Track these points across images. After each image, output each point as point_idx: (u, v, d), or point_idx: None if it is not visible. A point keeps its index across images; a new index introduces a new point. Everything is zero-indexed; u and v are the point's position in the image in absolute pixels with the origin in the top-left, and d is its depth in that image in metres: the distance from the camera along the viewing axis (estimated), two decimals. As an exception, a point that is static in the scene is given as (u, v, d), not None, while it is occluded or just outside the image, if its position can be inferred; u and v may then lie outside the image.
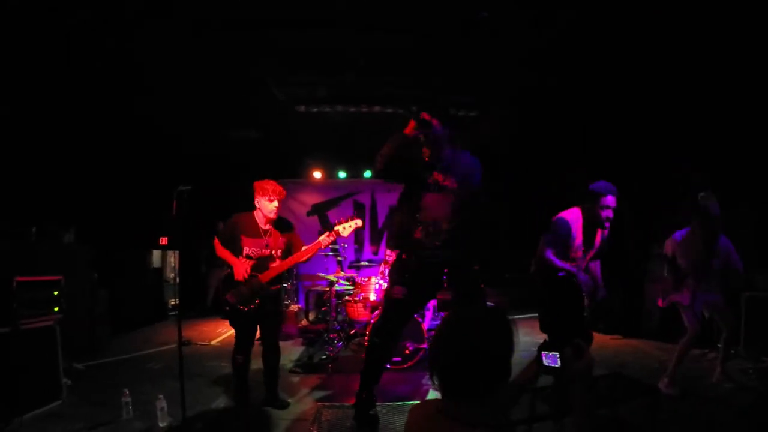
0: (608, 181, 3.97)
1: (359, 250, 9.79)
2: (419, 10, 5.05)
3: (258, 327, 4.24)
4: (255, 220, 4.18)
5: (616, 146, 7.50)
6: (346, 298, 6.60)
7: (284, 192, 4.20)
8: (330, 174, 10.04)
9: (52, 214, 6.34)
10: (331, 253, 7.72)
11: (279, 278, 4.24)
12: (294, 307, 8.09)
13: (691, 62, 5.63)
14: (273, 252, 4.14)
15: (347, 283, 6.92)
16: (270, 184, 4.13)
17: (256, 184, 4.16)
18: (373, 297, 6.25)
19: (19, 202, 6.05)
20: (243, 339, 4.18)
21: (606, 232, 4.07)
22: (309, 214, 9.82)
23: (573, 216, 4.05)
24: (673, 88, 6.15)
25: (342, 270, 7.08)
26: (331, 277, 6.59)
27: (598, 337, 4.78)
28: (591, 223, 4.00)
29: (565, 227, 4.00)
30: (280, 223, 4.28)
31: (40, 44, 5.11)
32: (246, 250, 4.08)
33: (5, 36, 4.84)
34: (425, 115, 3.57)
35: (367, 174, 9.97)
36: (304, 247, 4.22)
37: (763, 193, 6.07)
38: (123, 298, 7.59)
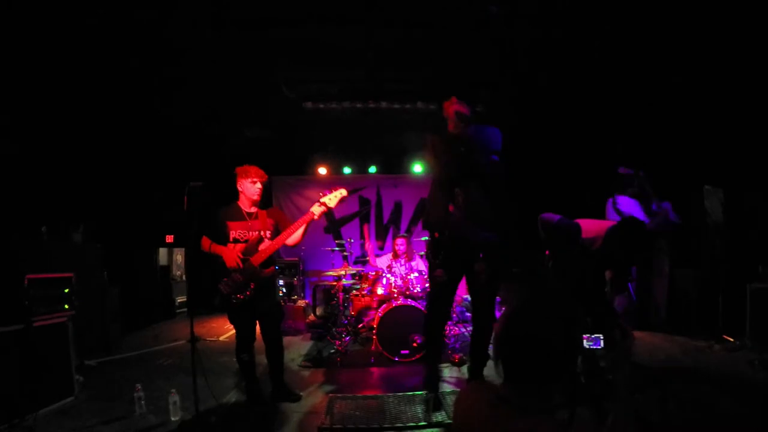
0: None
1: (365, 245, 9.83)
2: (426, 5, 5.07)
3: (258, 323, 4.22)
4: (238, 206, 4.17)
5: (624, 134, 7.49)
6: (354, 292, 6.64)
7: (266, 175, 4.20)
8: (335, 170, 10.05)
9: (61, 212, 6.37)
10: (336, 249, 7.74)
11: (272, 261, 4.17)
12: (301, 303, 8.12)
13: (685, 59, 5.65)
14: (261, 233, 4.10)
15: (354, 278, 6.95)
16: (252, 168, 4.14)
17: (238, 169, 4.17)
18: (380, 291, 6.28)
19: (29, 200, 6.07)
20: (244, 336, 4.17)
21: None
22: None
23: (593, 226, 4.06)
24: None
25: (348, 265, 7.09)
26: (338, 272, 6.61)
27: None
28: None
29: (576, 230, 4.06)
30: (266, 206, 4.29)
31: (50, 41, 5.13)
32: (232, 233, 4.06)
33: (9, 36, 4.88)
34: (461, 108, 3.67)
35: (372, 170, 10.00)
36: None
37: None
38: (132, 296, 7.63)
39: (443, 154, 3.82)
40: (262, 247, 4.05)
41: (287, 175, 9.92)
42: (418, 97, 7.64)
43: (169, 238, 9.26)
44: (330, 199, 4.08)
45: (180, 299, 9.35)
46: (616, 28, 5.37)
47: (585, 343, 1.74)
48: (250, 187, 4.11)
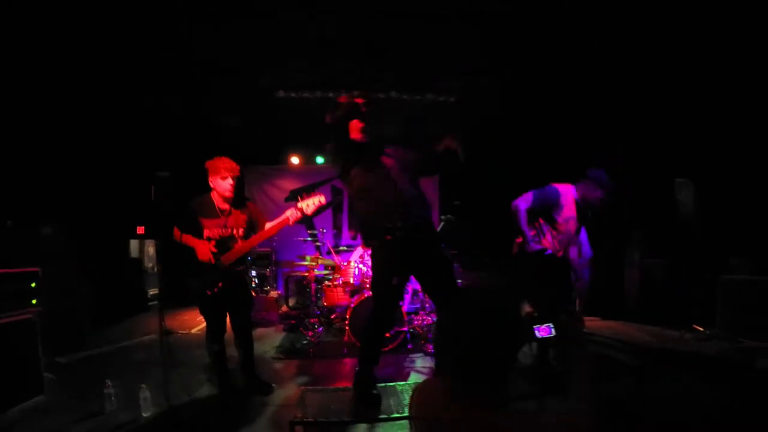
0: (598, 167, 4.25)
1: (338, 236, 9.87)
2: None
3: (228, 314, 4.22)
4: (212, 201, 4.11)
5: (600, 127, 7.62)
6: (326, 283, 6.67)
7: (238, 168, 4.10)
8: (308, 160, 10.03)
9: (29, 205, 6.25)
10: (309, 239, 7.76)
11: (243, 259, 4.19)
12: (273, 294, 8.13)
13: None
14: (234, 232, 4.08)
15: (326, 268, 6.97)
16: (222, 162, 4.04)
17: (208, 164, 4.08)
18: (352, 281, 6.32)
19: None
20: (214, 327, 4.17)
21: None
22: (287, 199, 9.78)
23: (565, 189, 4.27)
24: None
25: (321, 255, 7.12)
26: (310, 262, 6.62)
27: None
28: (586, 204, 4.26)
29: (554, 194, 4.24)
30: (240, 201, 4.22)
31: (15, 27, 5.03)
32: (206, 232, 4.02)
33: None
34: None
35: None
36: (268, 224, 4.16)
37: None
38: (104, 289, 7.53)
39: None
40: (234, 246, 4.05)
41: (259, 165, 9.87)
42: (391, 87, 7.66)
43: (140, 230, 9.14)
44: (307, 205, 4.01)
45: (152, 291, 9.27)
46: (591, 22, 5.48)
47: (537, 334, 1.82)
48: (222, 184, 4.04)
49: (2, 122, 6.10)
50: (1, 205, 5.88)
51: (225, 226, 4.07)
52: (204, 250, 3.96)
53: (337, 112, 3.78)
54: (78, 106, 6.90)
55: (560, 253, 4.48)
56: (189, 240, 4.03)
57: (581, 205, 4.38)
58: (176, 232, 4.09)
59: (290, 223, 4.05)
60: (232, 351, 4.36)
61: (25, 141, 6.49)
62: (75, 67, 6.06)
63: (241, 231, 4.12)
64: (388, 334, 5.47)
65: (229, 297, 4.09)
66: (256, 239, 4.12)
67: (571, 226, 4.42)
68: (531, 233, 4.41)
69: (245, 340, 4.31)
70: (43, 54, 5.60)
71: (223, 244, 4.04)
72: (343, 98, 3.74)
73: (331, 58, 6.58)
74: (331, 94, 7.72)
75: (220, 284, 4.00)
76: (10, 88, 5.90)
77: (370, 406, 3.46)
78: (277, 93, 7.60)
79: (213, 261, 3.98)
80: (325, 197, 4.14)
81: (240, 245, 4.06)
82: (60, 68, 5.98)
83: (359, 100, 3.73)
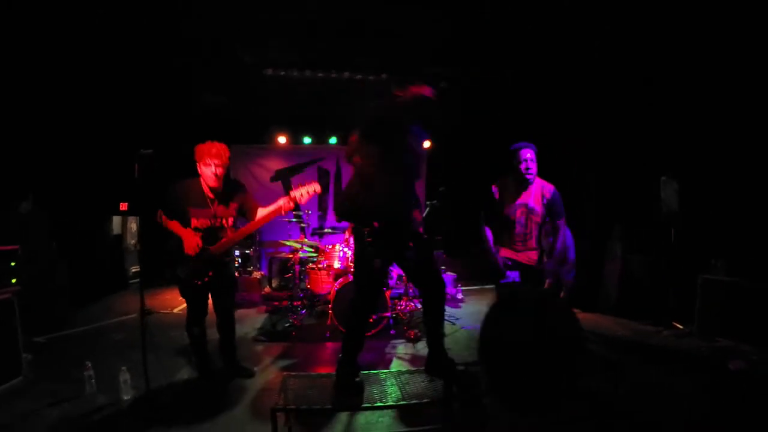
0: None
1: (323, 217, 9.85)
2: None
3: (210, 296, 4.13)
4: (201, 188, 3.92)
5: (585, 125, 7.63)
6: (310, 265, 6.65)
7: (226, 154, 3.91)
8: (295, 140, 9.94)
9: (7, 180, 6.12)
10: (294, 220, 7.71)
11: (231, 249, 4.11)
12: (257, 274, 8.11)
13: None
14: (223, 222, 3.95)
15: (311, 250, 6.94)
16: (209, 147, 3.87)
17: (196, 149, 3.90)
18: (337, 264, 6.30)
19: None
20: (195, 310, 4.08)
21: (546, 192, 4.23)
22: (273, 179, 9.74)
23: (496, 186, 4.32)
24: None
25: (305, 237, 7.08)
26: (295, 244, 6.58)
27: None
28: (519, 181, 4.23)
29: (492, 194, 4.26)
30: (230, 187, 4.05)
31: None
32: (194, 222, 3.87)
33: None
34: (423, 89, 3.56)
35: (333, 140, 9.93)
36: (260, 210, 4.00)
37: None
38: (83, 267, 7.41)
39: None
40: (223, 236, 3.94)
41: (245, 144, 9.74)
42: (382, 69, 7.58)
43: (123, 206, 8.99)
44: (301, 195, 3.83)
45: (134, 269, 9.18)
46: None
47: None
48: (205, 171, 3.87)
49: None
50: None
51: (214, 216, 3.92)
52: (191, 244, 3.80)
53: (406, 95, 3.63)
54: (62, 82, 6.72)
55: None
56: (175, 228, 3.88)
57: None
58: (162, 216, 3.93)
59: (283, 212, 3.91)
60: (214, 333, 4.31)
61: (5, 115, 6.31)
62: (59, 43, 5.91)
63: (230, 221, 3.98)
64: (371, 319, 5.47)
65: (214, 281, 4.00)
66: (246, 230, 3.99)
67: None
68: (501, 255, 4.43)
69: (227, 323, 4.25)
70: (25, 28, 5.45)
71: (212, 234, 3.91)
72: (416, 87, 3.60)
73: (316, 37, 6.49)
74: (320, 74, 7.64)
75: (210, 273, 3.93)
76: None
77: (352, 395, 3.45)
78: (265, 71, 7.49)
79: (200, 253, 3.85)
80: (319, 185, 3.93)
81: (230, 236, 3.94)
82: (43, 44, 5.82)
83: (428, 91, 3.60)
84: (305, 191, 3.84)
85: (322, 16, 5.90)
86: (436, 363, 3.48)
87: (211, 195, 3.94)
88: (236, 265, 8.40)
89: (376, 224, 3.58)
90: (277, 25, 6.14)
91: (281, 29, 6.27)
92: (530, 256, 4.28)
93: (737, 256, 5.60)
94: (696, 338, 5.51)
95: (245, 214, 4.06)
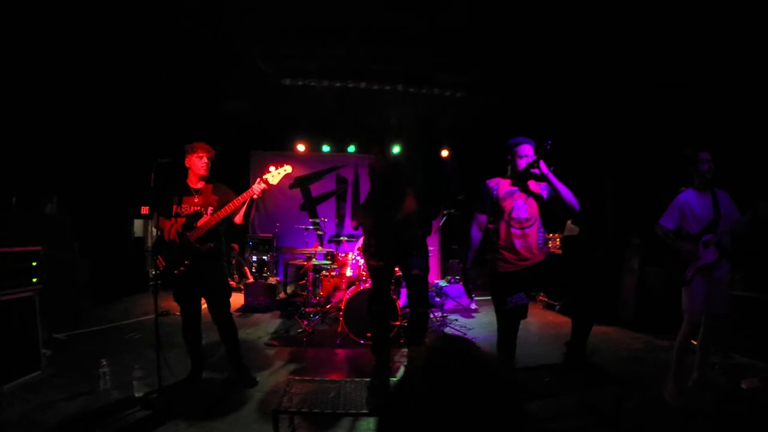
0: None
1: (340, 225, 9.93)
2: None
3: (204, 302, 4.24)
4: (186, 182, 4.17)
5: (603, 131, 7.62)
6: (324, 272, 6.73)
7: (213, 150, 4.18)
8: (314, 148, 10.08)
9: (34, 183, 6.34)
10: (311, 227, 7.82)
11: (211, 236, 4.12)
12: (273, 280, 8.22)
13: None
14: (202, 209, 4.08)
15: (326, 257, 7.02)
16: (199, 143, 4.13)
17: (187, 146, 4.15)
18: (349, 272, 6.38)
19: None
20: (187, 316, 4.23)
21: (543, 184, 4.03)
22: (292, 186, 9.88)
23: (493, 182, 4.07)
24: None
25: (321, 244, 7.18)
26: (310, 251, 6.68)
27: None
28: (518, 178, 4.00)
29: (485, 188, 4.02)
30: (215, 184, 4.24)
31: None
32: (175, 208, 4.07)
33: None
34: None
35: (351, 149, 10.05)
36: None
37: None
38: (105, 267, 7.64)
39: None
40: (200, 222, 4.03)
41: (265, 151, 9.91)
42: (399, 79, 7.67)
43: (145, 210, 9.24)
44: (273, 176, 4.04)
45: (153, 272, 9.36)
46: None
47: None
48: (197, 162, 4.09)
49: (9, 101, 6.17)
50: (6, 183, 5.96)
51: (195, 204, 4.10)
52: (171, 230, 4.03)
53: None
54: (89, 91, 6.97)
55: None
56: (160, 222, 4.12)
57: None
58: (155, 217, 4.18)
59: (255, 194, 3.99)
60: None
61: (32, 120, 6.56)
62: (85, 49, 6.11)
63: (210, 210, 4.09)
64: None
65: (200, 280, 4.13)
66: (221, 213, 3.99)
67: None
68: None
69: (226, 331, 4.30)
70: (49, 34, 5.65)
71: (191, 220, 4.05)
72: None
73: (335, 47, 6.60)
74: (337, 84, 7.75)
75: (186, 262, 4.05)
76: (17, 69, 5.96)
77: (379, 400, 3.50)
78: (283, 81, 7.63)
79: (177, 240, 4.03)
80: (290, 166, 4.24)
81: (206, 219, 4.02)
82: (69, 49, 6.03)
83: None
84: (277, 173, 4.09)
85: (341, 24, 6.00)
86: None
87: (195, 186, 4.18)
88: (252, 270, 8.56)
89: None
90: (298, 35, 6.27)
91: (301, 39, 6.41)
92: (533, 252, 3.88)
93: (756, 270, 5.51)
94: (711, 354, 5.43)
95: (225, 205, 4.11)
